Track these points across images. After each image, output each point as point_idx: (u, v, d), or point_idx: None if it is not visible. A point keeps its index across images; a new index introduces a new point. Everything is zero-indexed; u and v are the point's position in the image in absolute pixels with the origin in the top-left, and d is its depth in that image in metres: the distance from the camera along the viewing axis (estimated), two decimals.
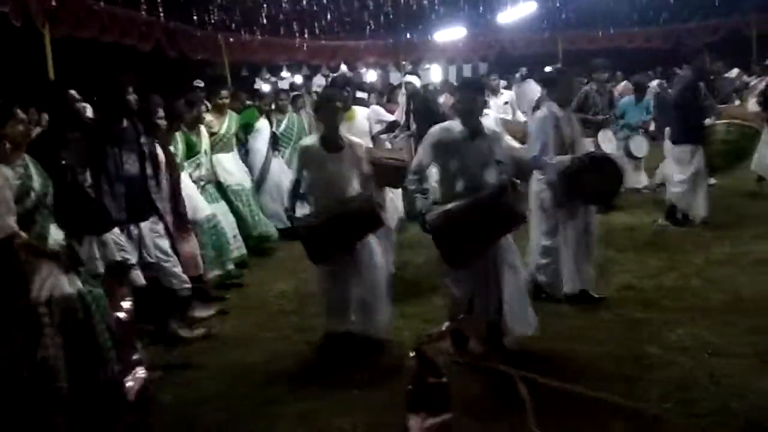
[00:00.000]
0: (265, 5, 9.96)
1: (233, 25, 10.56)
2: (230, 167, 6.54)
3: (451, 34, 13.95)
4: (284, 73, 17.23)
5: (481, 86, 4.11)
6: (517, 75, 10.25)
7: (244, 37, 10.94)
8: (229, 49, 10.22)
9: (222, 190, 6.28)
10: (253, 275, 5.95)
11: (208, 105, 6.80)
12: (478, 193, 3.65)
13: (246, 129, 7.20)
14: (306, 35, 12.25)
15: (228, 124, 6.54)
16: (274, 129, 7.54)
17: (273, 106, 7.89)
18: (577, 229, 4.51)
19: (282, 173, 7.35)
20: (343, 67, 14.55)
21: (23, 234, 2.96)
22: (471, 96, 3.80)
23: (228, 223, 5.89)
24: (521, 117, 8.26)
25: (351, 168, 4.00)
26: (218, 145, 6.41)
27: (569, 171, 4.33)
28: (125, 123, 4.25)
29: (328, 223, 3.83)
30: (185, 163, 5.48)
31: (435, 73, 20.12)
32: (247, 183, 6.73)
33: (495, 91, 8.25)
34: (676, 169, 6.40)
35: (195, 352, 4.27)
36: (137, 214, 4.21)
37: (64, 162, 3.64)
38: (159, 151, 4.60)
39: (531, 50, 14.49)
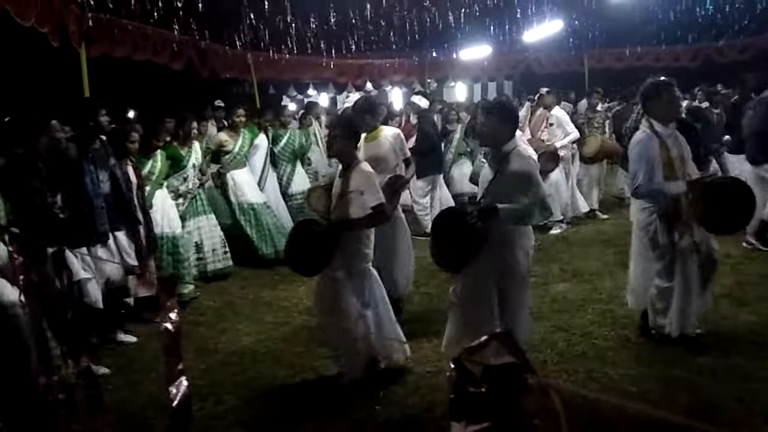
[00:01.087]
0: (292, 24, 10.13)
1: (261, 44, 10.74)
2: (243, 184, 6.92)
3: (476, 52, 14.02)
4: (311, 91, 17.46)
5: (507, 111, 3.61)
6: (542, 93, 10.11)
7: (272, 56, 11.14)
8: (258, 67, 10.42)
9: (230, 206, 6.79)
10: (278, 290, 6.00)
11: (225, 123, 7.12)
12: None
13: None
14: (333, 53, 12.41)
15: (241, 142, 6.97)
16: (271, 145, 7.56)
17: (276, 123, 7.86)
18: (697, 264, 3.98)
19: (275, 191, 7.49)
20: (369, 86, 14.72)
21: None
22: (493, 122, 3.52)
23: (212, 236, 6.35)
24: (570, 137, 7.67)
25: (348, 192, 3.79)
26: (233, 162, 6.93)
27: (691, 198, 3.82)
28: (97, 144, 4.61)
29: (293, 238, 3.89)
30: (164, 180, 5.88)
31: (460, 91, 20.23)
32: (259, 200, 6.98)
33: (549, 108, 7.89)
34: (758, 189, 5.82)
35: (217, 365, 4.32)
36: (112, 227, 4.65)
37: (33, 187, 3.89)
38: (131, 172, 5.03)
39: (557, 69, 14.47)
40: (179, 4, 7.90)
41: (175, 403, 1.65)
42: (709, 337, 4.17)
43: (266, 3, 8.72)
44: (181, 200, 6.07)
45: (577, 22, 12.85)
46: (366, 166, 3.86)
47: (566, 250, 6.77)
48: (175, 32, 8.16)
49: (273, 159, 7.58)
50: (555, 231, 7.50)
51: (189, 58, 8.46)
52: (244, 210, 6.82)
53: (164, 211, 5.70)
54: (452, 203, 7.88)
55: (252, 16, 9.26)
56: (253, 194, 6.92)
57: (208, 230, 6.35)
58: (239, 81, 11.89)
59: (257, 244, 6.81)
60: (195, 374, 4.16)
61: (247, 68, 10.06)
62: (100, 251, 4.52)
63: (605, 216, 8.08)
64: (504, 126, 3.52)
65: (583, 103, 12.06)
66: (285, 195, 7.59)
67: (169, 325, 1.86)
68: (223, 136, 6.93)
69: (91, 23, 6.30)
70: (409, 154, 5.80)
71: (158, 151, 5.75)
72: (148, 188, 5.46)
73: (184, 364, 1.72)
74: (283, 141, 7.62)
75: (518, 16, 11.60)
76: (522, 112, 12.63)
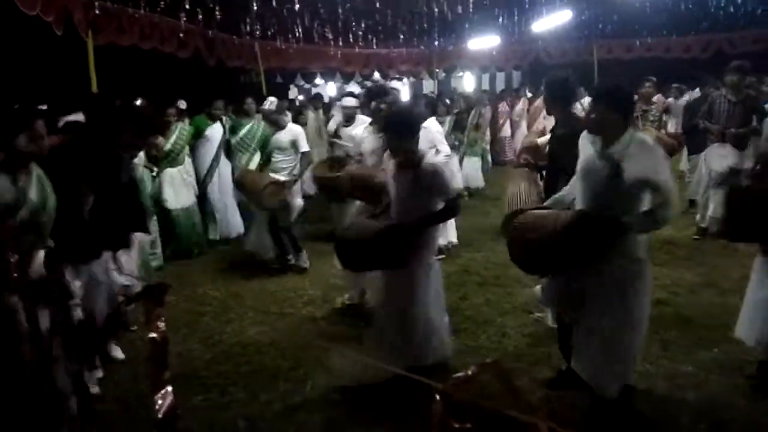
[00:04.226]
0: (300, 14, 10.08)
1: (269, 33, 10.70)
2: (175, 185, 6.81)
3: (484, 42, 13.92)
4: (318, 80, 17.41)
5: (618, 97, 2.99)
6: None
7: (280, 45, 11.10)
8: (265, 56, 10.38)
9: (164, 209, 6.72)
10: (282, 281, 6.00)
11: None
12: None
13: (195, 136, 7.18)
14: (340, 43, 12.35)
15: (174, 139, 6.82)
16: (229, 135, 7.38)
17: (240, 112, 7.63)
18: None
19: (220, 183, 7.35)
20: (376, 75, 14.65)
21: None
22: (601, 110, 2.94)
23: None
24: None
25: (414, 189, 3.58)
26: (166, 161, 6.75)
27: None
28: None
29: (352, 238, 3.66)
30: None
31: (468, 81, 20.11)
32: (177, 205, 6.81)
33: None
34: None
35: (222, 356, 4.34)
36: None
37: (76, 180, 3.40)
38: None
39: (566, 59, 14.34)
40: None
41: (161, 414, 1.63)
42: (716, 333, 4.13)
43: None
44: None
45: (586, 12, 12.73)
46: (430, 162, 3.61)
47: None
48: (182, 21, 8.14)
49: (229, 149, 7.39)
50: None
51: (196, 46, 8.44)
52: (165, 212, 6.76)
53: None
54: None
55: (259, 5, 9.21)
56: (173, 200, 6.77)
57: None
58: (246, 70, 11.86)
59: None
60: (200, 365, 4.19)
61: (255, 57, 10.03)
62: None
63: None
64: (615, 114, 2.93)
65: (586, 100, 11.90)
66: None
67: (154, 335, 1.84)
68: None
69: (98, 11, 6.28)
70: None
71: None
72: None
73: (169, 373, 1.70)
74: (243, 131, 7.28)
75: (527, 5, 11.50)
76: (519, 105, 12.54)
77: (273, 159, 6.20)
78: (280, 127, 6.16)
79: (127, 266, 4.38)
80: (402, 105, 5.73)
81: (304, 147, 6.15)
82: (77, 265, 3.54)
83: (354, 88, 14.93)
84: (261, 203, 5.97)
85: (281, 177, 5.97)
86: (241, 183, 6.36)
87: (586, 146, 3.08)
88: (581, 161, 3.10)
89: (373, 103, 5.24)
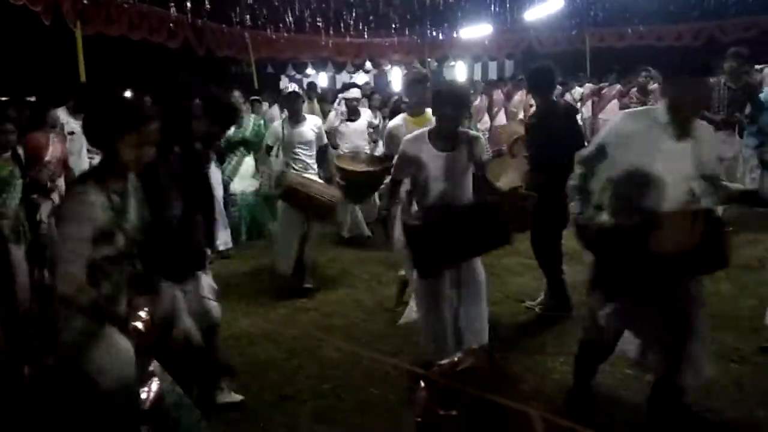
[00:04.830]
0: (291, 3, 10.02)
1: (259, 23, 10.63)
2: None
3: (477, 31, 13.88)
4: (309, 70, 17.33)
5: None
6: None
7: (270, 34, 11.03)
8: (255, 46, 10.32)
9: None
10: (274, 273, 5.97)
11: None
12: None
13: None
14: (331, 32, 12.29)
15: None
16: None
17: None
18: None
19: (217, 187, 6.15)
20: (368, 65, 14.60)
21: (92, 291, 2.02)
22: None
23: None
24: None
25: (466, 168, 3.39)
26: None
27: None
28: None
29: (444, 226, 3.15)
30: None
31: (460, 71, 20.03)
32: None
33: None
34: None
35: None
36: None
37: (164, 185, 2.85)
38: None
39: (558, 48, 14.33)
40: None
41: (148, 405, 1.61)
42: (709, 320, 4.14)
43: None
44: None
45: (578, 0, 12.72)
46: (469, 132, 3.55)
47: None
48: (171, 10, 8.07)
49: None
50: None
51: (185, 36, 8.38)
52: None
53: None
54: None
55: None
56: None
57: None
58: (237, 60, 11.80)
59: None
60: None
61: (245, 47, 9.97)
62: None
63: None
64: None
65: (577, 90, 11.93)
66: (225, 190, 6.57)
67: (138, 324, 1.81)
68: None
69: (86, 1, 6.22)
70: None
71: None
72: None
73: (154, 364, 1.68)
74: (231, 129, 6.38)
75: None
76: (517, 96, 12.53)
77: (297, 156, 5.29)
78: (300, 118, 5.37)
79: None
80: (453, 81, 5.45)
81: (325, 139, 5.53)
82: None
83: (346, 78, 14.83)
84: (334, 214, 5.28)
85: (312, 176, 5.29)
86: (312, 196, 5.06)
87: (642, 133, 2.74)
88: (645, 154, 2.72)
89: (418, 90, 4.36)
